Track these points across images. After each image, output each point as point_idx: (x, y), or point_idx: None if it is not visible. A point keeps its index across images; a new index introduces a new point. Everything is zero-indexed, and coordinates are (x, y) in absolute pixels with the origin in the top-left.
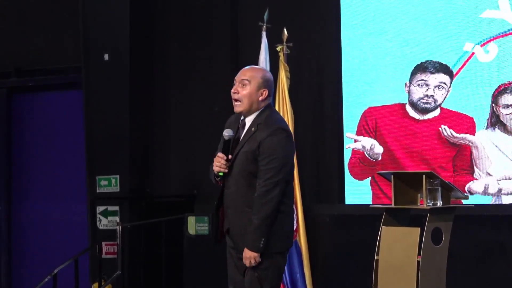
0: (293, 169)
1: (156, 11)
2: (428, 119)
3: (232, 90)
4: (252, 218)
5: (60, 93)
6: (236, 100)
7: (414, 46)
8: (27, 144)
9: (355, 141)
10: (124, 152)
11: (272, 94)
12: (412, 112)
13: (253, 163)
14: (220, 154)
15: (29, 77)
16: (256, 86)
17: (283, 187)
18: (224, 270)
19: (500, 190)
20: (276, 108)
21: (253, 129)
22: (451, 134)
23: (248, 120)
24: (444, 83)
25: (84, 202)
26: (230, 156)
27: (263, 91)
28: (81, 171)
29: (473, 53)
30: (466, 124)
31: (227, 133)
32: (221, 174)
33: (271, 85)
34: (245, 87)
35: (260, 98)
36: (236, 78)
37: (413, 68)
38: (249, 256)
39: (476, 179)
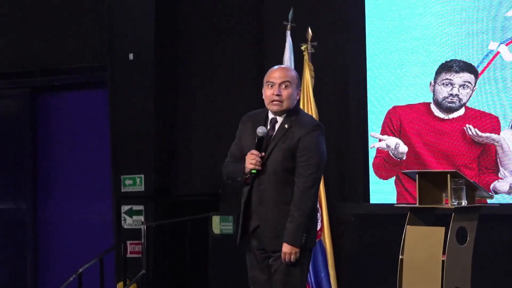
0: None
1: (181, 11)
2: (453, 118)
3: (274, 92)
4: (294, 213)
5: (85, 92)
6: (278, 102)
7: (439, 45)
8: (52, 144)
9: (380, 140)
10: (148, 151)
11: None
12: (436, 111)
13: (289, 160)
14: (254, 152)
15: (53, 76)
16: (295, 86)
17: (319, 183)
18: None
19: None
20: (301, 107)
21: (286, 126)
22: (476, 133)
23: (280, 118)
24: (469, 82)
25: (109, 201)
26: (263, 154)
27: (299, 90)
28: (106, 170)
29: (498, 52)
30: (491, 123)
31: (261, 130)
32: (254, 171)
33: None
34: (287, 89)
35: (297, 97)
36: (273, 80)
37: (437, 67)
38: (290, 252)
39: (501, 178)
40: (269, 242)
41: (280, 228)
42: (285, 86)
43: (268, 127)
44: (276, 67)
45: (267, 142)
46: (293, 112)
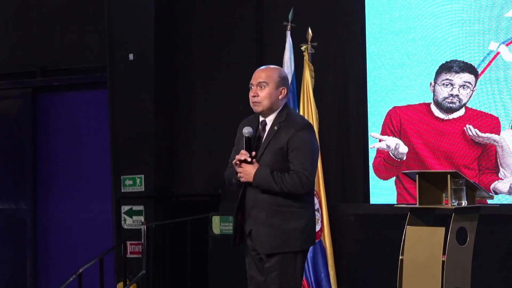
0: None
1: (181, 11)
2: (453, 119)
3: (251, 94)
4: (280, 181)
5: (85, 92)
6: (256, 102)
7: (439, 45)
8: (52, 144)
9: (380, 140)
10: (149, 152)
11: (289, 90)
12: (437, 112)
13: (280, 161)
14: (243, 151)
15: (54, 76)
16: (275, 85)
17: (310, 184)
18: None
19: None
20: (301, 107)
21: (275, 127)
22: (476, 133)
23: (269, 120)
24: (469, 83)
25: (109, 201)
26: (254, 153)
27: (282, 89)
28: (106, 170)
29: (498, 53)
30: (491, 123)
31: (246, 130)
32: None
33: (288, 82)
34: (264, 89)
35: (280, 97)
36: (252, 81)
37: (438, 67)
38: (248, 171)
39: (501, 179)
40: (262, 245)
41: (273, 230)
42: (262, 87)
43: (260, 128)
44: (259, 68)
45: (258, 143)
46: (282, 113)
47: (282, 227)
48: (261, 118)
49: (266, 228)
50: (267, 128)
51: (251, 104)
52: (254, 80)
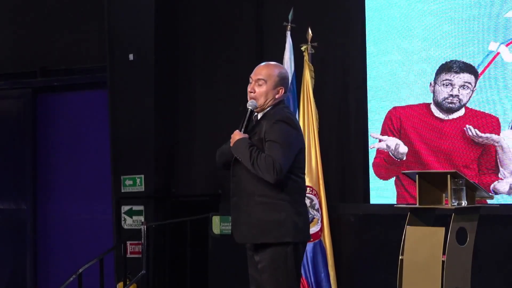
0: (302, 166)
1: (181, 11)
2: (453, 119)
3: (249, 89)
4: (257, 156)
5: (85, 92)
6: (252, 98)
7: (439, 45)
8: (52, 144)
9: (380, 140)
10: (149, 152)
11: (289, 90)
12: (437, 112)
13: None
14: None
15: (54, 76)
16: (273, 84)
17: (281, 173)
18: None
19: None
20: (301, 107)
21: (262, 121)
22: (476, 134)
23: (260, 114)
24: (469, 83)
25: (109, 201)
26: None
27: (280, 89)
28: (106, 170)
29: (498, 53)
30: (491, 124)
31: (251, 102)
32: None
33: (287, 82)
34: (261, 86)
35: (277, 96)
36: (252, 76)
37: (438, 67)
38: (234, 136)
39: (501, 179)
40: (243, 235)
41: (253, 219)
42: (260, 84)
43: (252, 121)
44: (261, 63)
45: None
46: (273, 109)
47: (261, 218)
48: (254, 114)
49: (246, 217)
50: (255, 120)
51: (248, 97)
52: (254, 75)
